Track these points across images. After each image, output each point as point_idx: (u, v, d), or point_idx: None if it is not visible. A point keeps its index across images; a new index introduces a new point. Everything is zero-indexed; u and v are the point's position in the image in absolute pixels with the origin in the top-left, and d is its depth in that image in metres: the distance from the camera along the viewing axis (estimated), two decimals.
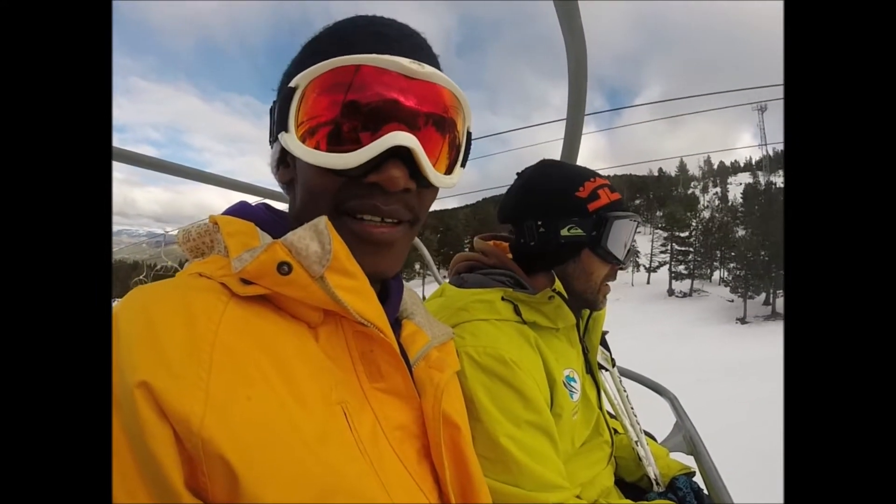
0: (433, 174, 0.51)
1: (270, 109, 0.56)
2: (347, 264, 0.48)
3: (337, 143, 0.49)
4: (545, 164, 1.02)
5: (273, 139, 0.55)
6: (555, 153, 1.27)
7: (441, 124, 0.52)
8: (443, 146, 0.53)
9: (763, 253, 35.39)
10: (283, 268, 0.44)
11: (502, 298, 0.89)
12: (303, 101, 0.49)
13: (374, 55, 0.48)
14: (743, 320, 32.36)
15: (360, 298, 0.48)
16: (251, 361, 0.41)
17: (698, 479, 1.12)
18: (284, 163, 0.57)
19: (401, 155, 0.49)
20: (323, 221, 0.48)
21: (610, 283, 1.00)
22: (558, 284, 0.88)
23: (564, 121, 1.23)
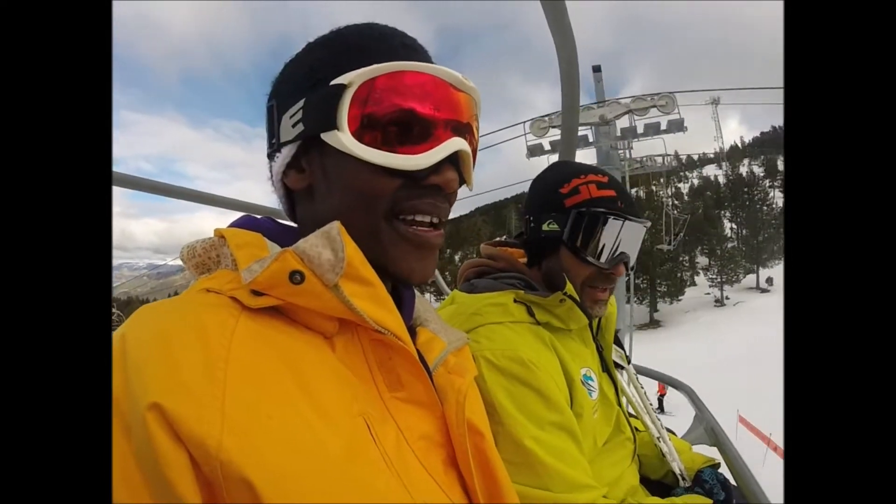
0: (471, 178, 0.56)
1: (269, 110, 0.54)
2: (363, 271, 0.47)
3: (395, 144, 0.49)
4: (553, 164, 1.04)
5: (278, 144, 0.53)
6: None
7: (472, 134, 0.55)
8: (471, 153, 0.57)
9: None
10: (296, 277, 0.43)
11: (515, 300, 0.89)
12: (354, 100, 0.48)
13: (432, 65, 0.50)
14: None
15: (377, 306, 0.47)
16: (269, 376, 0.40)
17: (724, 470, 1.11)
18: (297, 167, 0.53)
19: (452, 160, 0.52)
20: (335, 228, 0.47)
21: None
22: (570, 287, 0.88)
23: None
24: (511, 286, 0.92)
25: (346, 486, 0.39)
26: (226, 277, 0.47)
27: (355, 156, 0.48)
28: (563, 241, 0.90)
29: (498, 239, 1.08)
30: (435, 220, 0.53)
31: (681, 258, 40.93)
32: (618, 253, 0.91)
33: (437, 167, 0.51)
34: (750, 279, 42.71)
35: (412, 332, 0.63)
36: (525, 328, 0.87)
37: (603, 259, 0.90)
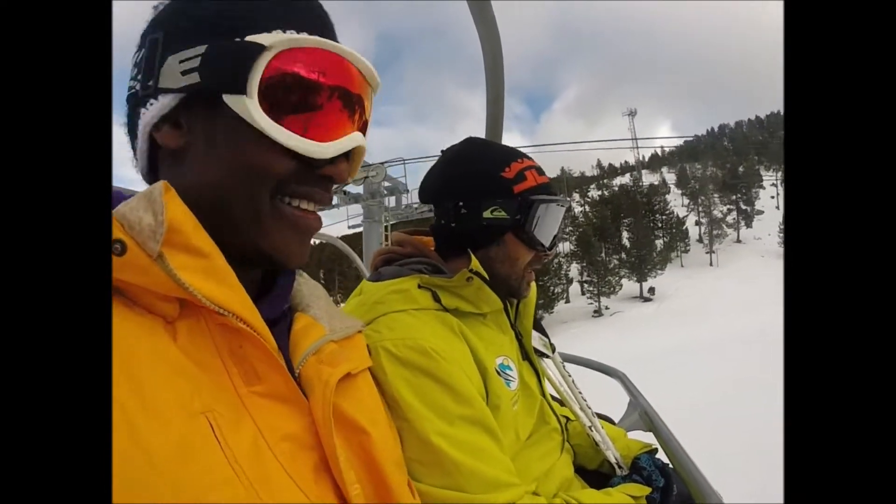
0: (356, 172, 0.56)
1: (151, 42, 0.46)
2: (193, 239, 0.40)
3: (303, 126, 0.46)
4: (471, 142, 0.97)
5: (154, 89, 0.45)
6: None
7: (366, 129, 0.55)
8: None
9: None
10: (116, 247, 0.37)
11: (419, 286, 0.82)
12: (270, 67, 0.43)
13: (351, 52, 0.48)
14: None
15: (212, 281, 0.41)
16: None
17: (662, 456, 1.08)
18: (174, 122, 0.46)
19: (346, 152, 0.51)
20: (159, 187, 0.40)
21: None
22: (475, 263, 0.82)
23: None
24: (416, 271, 0.86)
25: (176, 493, 0.33)
26: None
27: (259, 129, 0.43)
28: (511, 229, 0.88)
29: (410, 229, 1.02)
30: (315, 209, 0.53)
31: (561, 271, 42.08)
32: (555, 235, 0.94)
33: (333, 158, 0.49)
34: (634, 288, 44.01)
35: (289, 317, 0.56)
36: (430, 315, 0.80)
37: (548, 243, 0.91)
